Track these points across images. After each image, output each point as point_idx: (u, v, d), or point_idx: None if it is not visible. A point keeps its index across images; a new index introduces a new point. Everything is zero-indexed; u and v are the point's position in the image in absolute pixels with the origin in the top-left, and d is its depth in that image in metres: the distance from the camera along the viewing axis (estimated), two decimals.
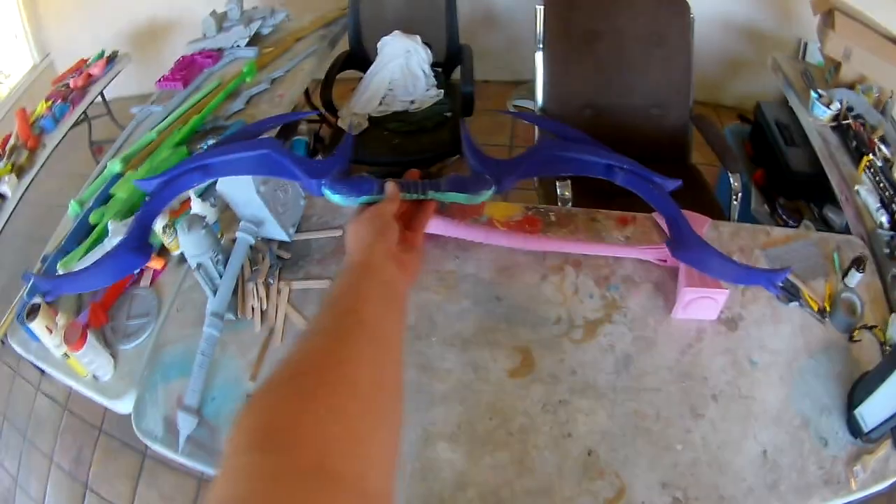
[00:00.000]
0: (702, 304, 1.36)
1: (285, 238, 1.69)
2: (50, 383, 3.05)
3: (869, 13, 2.42)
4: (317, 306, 1.50)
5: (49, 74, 3.87)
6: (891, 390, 1.13)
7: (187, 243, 1.46)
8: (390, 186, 0.97)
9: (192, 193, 1.73)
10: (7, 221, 2.81)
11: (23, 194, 2.92)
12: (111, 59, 3.66)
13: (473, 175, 1.06)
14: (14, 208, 2.86)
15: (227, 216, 1.72)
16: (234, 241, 1.61)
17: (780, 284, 1.40)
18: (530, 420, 1.25)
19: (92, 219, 1.87)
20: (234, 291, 1.56)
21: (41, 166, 3.05)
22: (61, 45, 4.22)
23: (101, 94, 3.64)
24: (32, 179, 3.00)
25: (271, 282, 1.60)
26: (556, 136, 1.28)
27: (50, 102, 3.34)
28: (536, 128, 2.55)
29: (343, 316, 0.69)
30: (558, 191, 2.06)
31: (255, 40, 2.96)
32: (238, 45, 2.90)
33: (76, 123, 3.39)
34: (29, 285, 1.71)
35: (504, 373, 1.33)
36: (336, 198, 1.01)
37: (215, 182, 1.65)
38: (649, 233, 1.62)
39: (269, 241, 1.71)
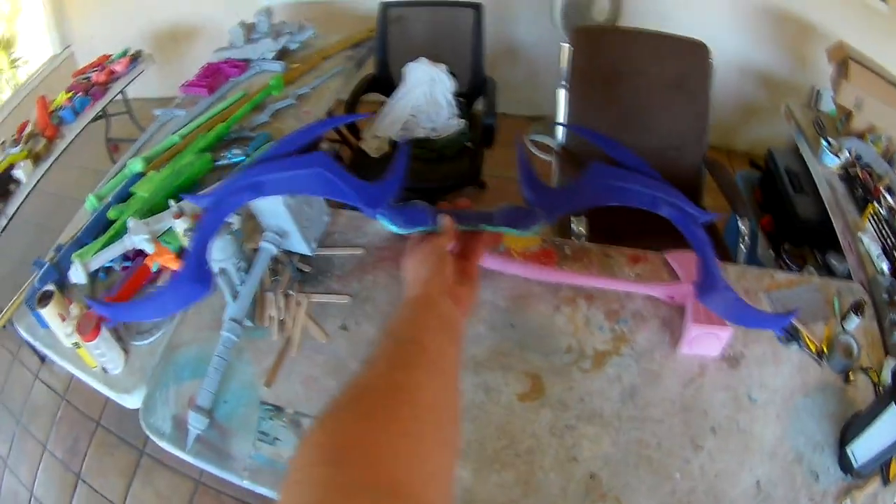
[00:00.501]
0: (706, 340, 1.41)
1: (307, 252, 1.71)
2: (50, 372, 3.05)
3: (884, 64, 2.49)
4: (336, 320, 1.57)
5: (68, 66, 3.90)
6: (882, 428, 1.17)
7: (212, 248, 1.45)
8: (445, 221, 0.99)
9: None
10: (19, 207, 2.85)
11: (37, 182, 2.95)
12: (134, 58, 3.70)
13: (524, 208, 1.07)
14: (28, 194, 2.89)
15: (250, 225, 1.74)
16: (254, 250, 1.63)
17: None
18: (537, 442, 1.30)
19: (110, 214, 1.90)
20: (253, 300, 1.57)
21: (58, 156, 3.08)
22: (83, 38, 4.26)
23: (122, 92, 3.66)
24: (48, 168, 3.02)
25: (291, 293, 1.63)
26: (614, 160, 1.23)
27: (71, 94, 3.38)
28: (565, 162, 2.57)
29: (406, 344, 0.72)
30: (573, 226, 2.11)
31: (281, 55, 2.99)
32: (265, 58, 2.92)
33: (95, 118, 3.42)
34: (42, 272, 1.73)
35: (514, 396, 1.37)
36: (392, 227, 1.02)
37: None
38: (659, 271, 1.66)
39: (290, 253, 1.73)
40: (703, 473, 1.25)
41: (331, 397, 0.61)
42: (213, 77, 2.76)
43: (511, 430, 1.32)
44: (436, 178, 2.80)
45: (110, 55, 3.75)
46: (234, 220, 1.70)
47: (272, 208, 1.57)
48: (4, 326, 1.82)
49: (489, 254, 1.64)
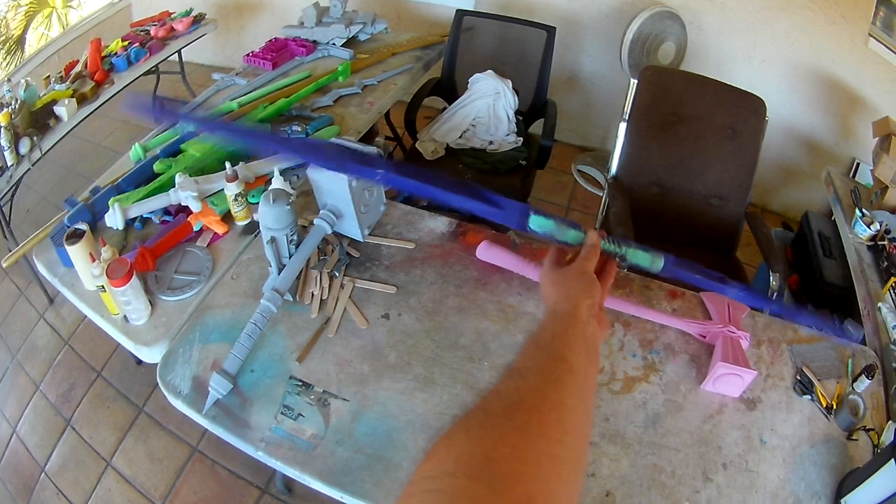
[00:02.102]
0: (730, 380, 1.47)
1: (359, 237, 1.74)
2: (56, 314, 2.99)
3: None
4: (379, 308, 1.60)
5: (124, 16, 3.88)
6: (878, 483, 1.24)
7: (268, 215, 1.48)
8: (593, 235, 0.96)
9: (276, 170, 1.76)
10: (55, 144, 2.79)
11: (78, 123, 2.90)
12: (197, 20, 3.65)
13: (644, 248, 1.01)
14: (66, 133, 2.84)
15: (301, 202, 1.74)
16: (304, 227, 1.63)
17: (798, 378, 1.54)
18: None
19: (157, 167, 1.90)
20: (297, 275, 1.58)
21: (104, 102, 3.03)
22: None
23: (179, 52, 3.62)
24: (92, 112, 2.97)
25: (336, 274, 1.65)
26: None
27: (126, 43, 3.33)
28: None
29: (556, 361, 0.70)
30: None
31: (350, 43, 3.00)
32: (334, 44, 2.93)
33: (147, 72, 3.38)
34: (74, 210, 1.71)
35: None
36: (543, 226, 0.97)
37: (302, 164, 1.70)
38: (694, 310, 1.72)
39: (341, 235, 1.75)
40: None
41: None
42: (279, 52, 2.78)
43: None
44: (487, 190, 2.78)
45: (172, 12, 3.71)
46: (293, 192, 1.73)
47: (336, 188, 1.60)
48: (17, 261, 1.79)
49: (538, 266, 1.65)
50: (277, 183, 1.73)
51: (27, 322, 3.00)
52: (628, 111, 2.55)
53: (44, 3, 3.83)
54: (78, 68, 3.11)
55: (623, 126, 2.56)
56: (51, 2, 3.88)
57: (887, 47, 2.86)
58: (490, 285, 1.70)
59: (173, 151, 1.99)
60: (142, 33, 3.49)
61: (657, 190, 2.57)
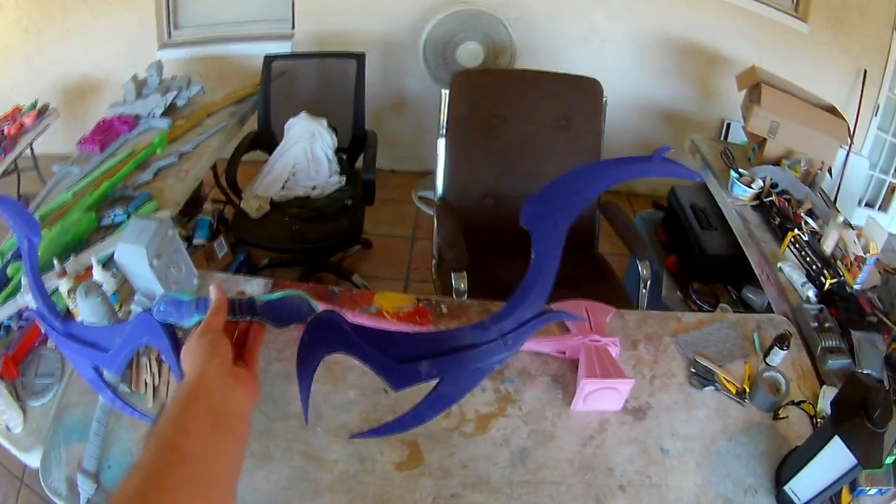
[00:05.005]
0: (604, 395, 1.38)
1: None
2: None
3: (799, 78, 2.55)
4: None
5: None
6: (825, 462, 1.15)
7: (84, 309, 1.53)
8: (215, 292, 0.93)
9: (94, 260, 1.80)
10: None
11: None
12: (41, 112, 3.70)
13: (296, 302, 0.98)
14: None
15: (127, 288, 1.73)
16: (129, 313, 1.64)
17: (693, 371, 1.47)
18: None
19: (9, 271, 1.95)
20: (129, 365, 1.58)
21: None
22: (4, 84, 4.26)
23: (31, 146, 3.67)
24: None
25: (163, 358, 1.60)
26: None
27: None
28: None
29: (163, 452, 0.66)
30: (453, 282, 2.06)
31: (170, 110, 2.99)
32: (154, 115, 2.93)
33: (6, 173, 3.43)
34: None
35: (391, 465, 1.32)
36: (174, 321, 0.97)
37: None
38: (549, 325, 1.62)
39: None
40: None
41: None
42: (104, 134, 2.77)
43: (390, 501, 1.28)
44: (316, 237, 2.83)
45: (22, 106, 3.76)
46: (109, 283, 1.77)
47: (139, 269, 1.61)
48: None
49: (358, 315, 1.62)
50: (97, 274, 1.78)
51: None
52: (444, 125, 2.50)
53: None
54: None
55: (441, 142, 2.51)
56: None
57: None
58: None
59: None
60: None
61: (492, 201, 2.55)
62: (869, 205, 3.43)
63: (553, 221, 0.95)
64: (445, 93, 2.47)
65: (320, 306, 0.95)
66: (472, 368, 0.89)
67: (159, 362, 1.61)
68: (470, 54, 3.40)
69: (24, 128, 3.56)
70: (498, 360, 0.90)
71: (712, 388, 1.46)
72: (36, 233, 1.07)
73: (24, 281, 1.80)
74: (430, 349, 0.88)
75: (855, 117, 3.15)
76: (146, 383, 1.59)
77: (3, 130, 3.50)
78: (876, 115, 3.29)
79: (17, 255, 2.00)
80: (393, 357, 0.87)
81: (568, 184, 0.98)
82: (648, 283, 2.19)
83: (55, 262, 1.78)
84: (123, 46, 4.07)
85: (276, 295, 0.94)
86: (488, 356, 0.88)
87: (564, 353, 1.52)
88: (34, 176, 3.94)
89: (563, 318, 1.05)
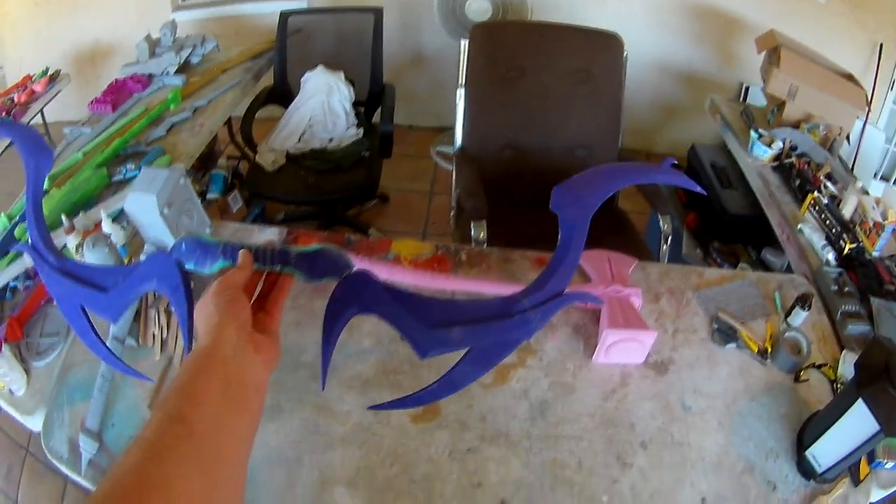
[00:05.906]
0: (626, 346, 1.34)
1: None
2: None
3: (816, 49, 2.49)
4: None
5: None
6: (846, 427, 1.12)
7: (91, 260, 1.54)
8: (242, 253, 0.86)
9: (103, 213, 1.78)
10: None
11: None
12: (52, 78, 3.73)
13: (331, 255, 0.92)
14: None
15: (138, 241, 1.72)
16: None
17: (716, 327, 1.44)
18: (435, 468, 1.22)
19: (17, 233, 1.94)
20: (137, 317, 1.58)
21: None
22: (14, 60, 4.29)
23: (42, 112, 3.69)
24: None
25: (173, 310, 1.55)
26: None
27: None
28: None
29: (169, 424, 0.61)
30: (473, 231, 2.03)
31: (184, 68, 3.00)
32: (167, 73, 2.94)
33: None
34: None
35: (407, 417, 1.30)
36: (190, 268, 0.92)
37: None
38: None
39: None
40: (636, 493, 1.18)
41: None
42: (117, 94, 2.79)
43: (404, 455, 1.25)
44: (332, 189, 2.81)
45: (33, 75, 3.79)
46: (119, 236, 1.74)
47: (149, 219, 1.58)
48: None
49: (374, 262, 1.58)
50: (106, 227, 1.74)
51: None
52: (464, 76, 2.46)
53: None
54: None
55: (461, 92, 2.47)
56: None
57: None
58: (327, 292, 1.54)
59: None
60: (8, 102, 3.57)
61: (511, 153, 2.50)
62: (885, 178, 3.39)
63: (580, 204, 0.94)
64: (465, 43, 2.43)
65: (356, 263, 0.90)
66: (500, 340, 0.87)
67: (168, 314, 1.59)
68: (478, 10, 3.36)
69: (34, 95, 3.60)
70: (526, 333, 0.88)
71: (734, 345, 1.42)
72: (47, 159, 1.02)
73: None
74: (464, 316, 0.86)
75: (871, 91, 3.09)
76: (154, 336, 1.57)
77: (13, 98, 3.53)
78: (892, 89, 3.23)
79: (25, 217, 1.96)
80: (426, 322, 0.84)
81: (587, 177, 0.99)
82: (669, 238, 2.15)
83: (63, 218, 1.76)
84: (136, 13, 4.07)
85: (313, 247, 0.89)
86: (518, 327, 0.86)
87: (586, 303, 1.48)
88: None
89: (585, 299, 1.06)
